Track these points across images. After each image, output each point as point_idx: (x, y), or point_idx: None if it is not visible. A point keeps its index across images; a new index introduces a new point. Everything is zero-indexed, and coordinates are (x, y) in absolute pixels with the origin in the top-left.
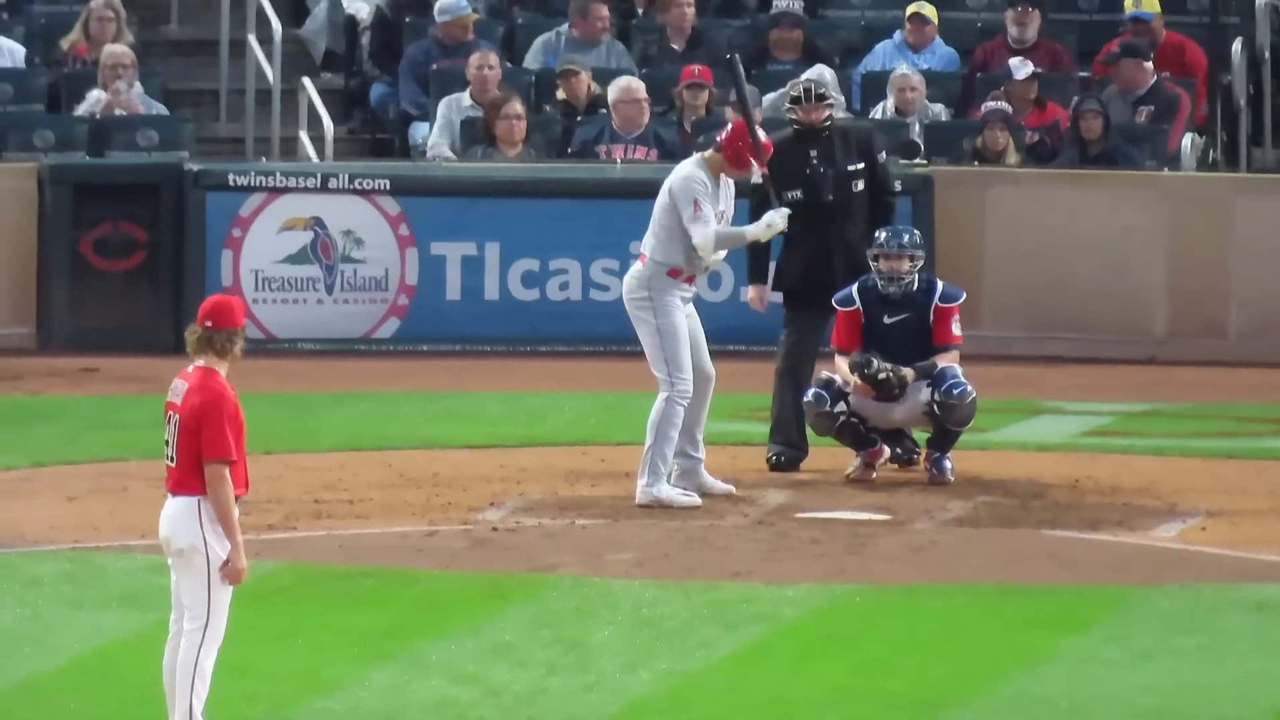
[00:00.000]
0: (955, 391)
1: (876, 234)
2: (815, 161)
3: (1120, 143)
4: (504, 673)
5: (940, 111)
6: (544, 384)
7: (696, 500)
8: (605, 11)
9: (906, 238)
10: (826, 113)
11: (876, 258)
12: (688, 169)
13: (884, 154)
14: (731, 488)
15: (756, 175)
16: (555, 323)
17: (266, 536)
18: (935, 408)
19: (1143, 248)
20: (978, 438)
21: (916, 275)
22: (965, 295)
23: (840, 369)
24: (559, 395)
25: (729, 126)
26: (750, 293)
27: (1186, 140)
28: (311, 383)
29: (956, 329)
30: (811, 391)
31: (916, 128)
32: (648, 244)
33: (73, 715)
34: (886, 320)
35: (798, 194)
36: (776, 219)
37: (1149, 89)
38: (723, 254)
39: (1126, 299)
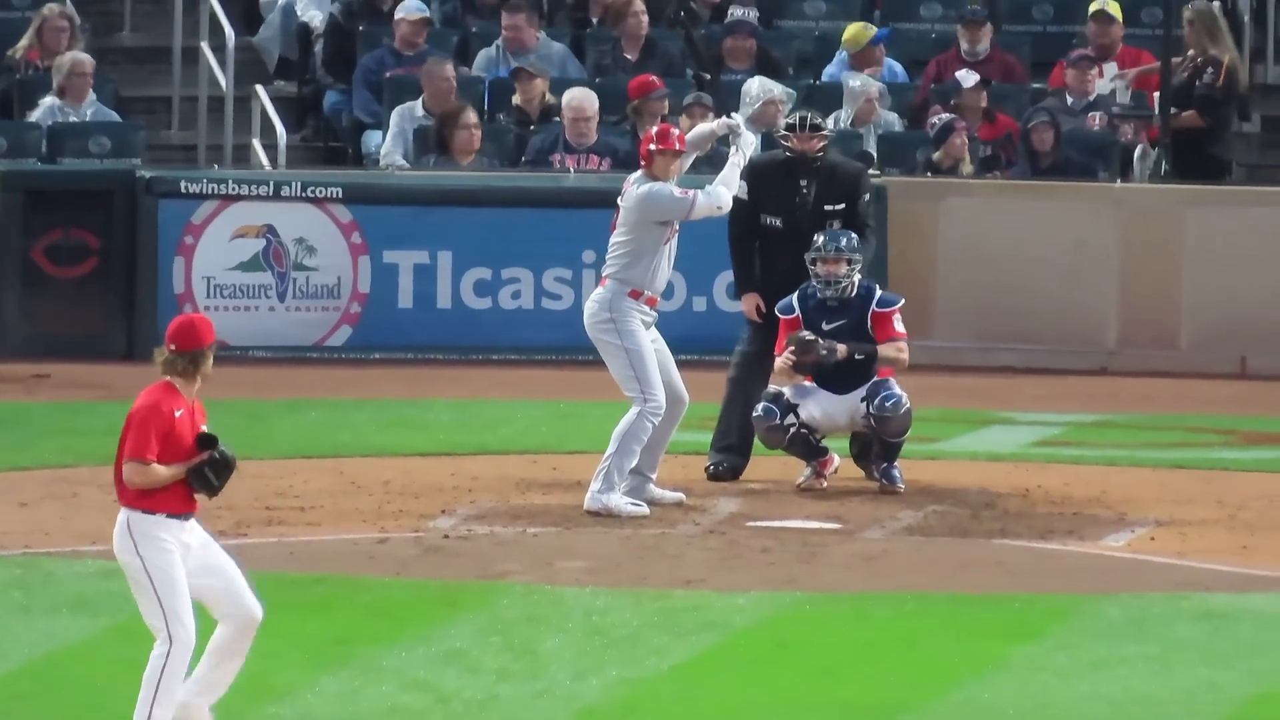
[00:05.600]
0: (889, 404)
1: (815, 238)
2: (805, 192)
3: (1072, 154)
4: (455, 680)
5: (894, 122)
6: (496, 392)
7: (645, 510)
8: (521, 20)
9: (844, 241)
10: (820, 144)
11: (814, 261)
12: (644, 185)
13: (868, 195)
14: (682, 496)
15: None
16: (507, 331)
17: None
18: (870, 420)
19: (1094, 259)
20: (929, 447)
21: (855, 281)
22: (903, 300)
23: (778, 372)
24: (511, 404)
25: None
26: (745, 304)
27: (1138, 151)
28: (263, 390)
29: (899, 325)
30: (761, 406)
31: (871, 138)
32: (607, 267)
33: None
34: (825, 326)
35: (777, 222)
36: (732, 126)
37: (1096, 95)
38: (728, 202)
39: (1078, 310)
